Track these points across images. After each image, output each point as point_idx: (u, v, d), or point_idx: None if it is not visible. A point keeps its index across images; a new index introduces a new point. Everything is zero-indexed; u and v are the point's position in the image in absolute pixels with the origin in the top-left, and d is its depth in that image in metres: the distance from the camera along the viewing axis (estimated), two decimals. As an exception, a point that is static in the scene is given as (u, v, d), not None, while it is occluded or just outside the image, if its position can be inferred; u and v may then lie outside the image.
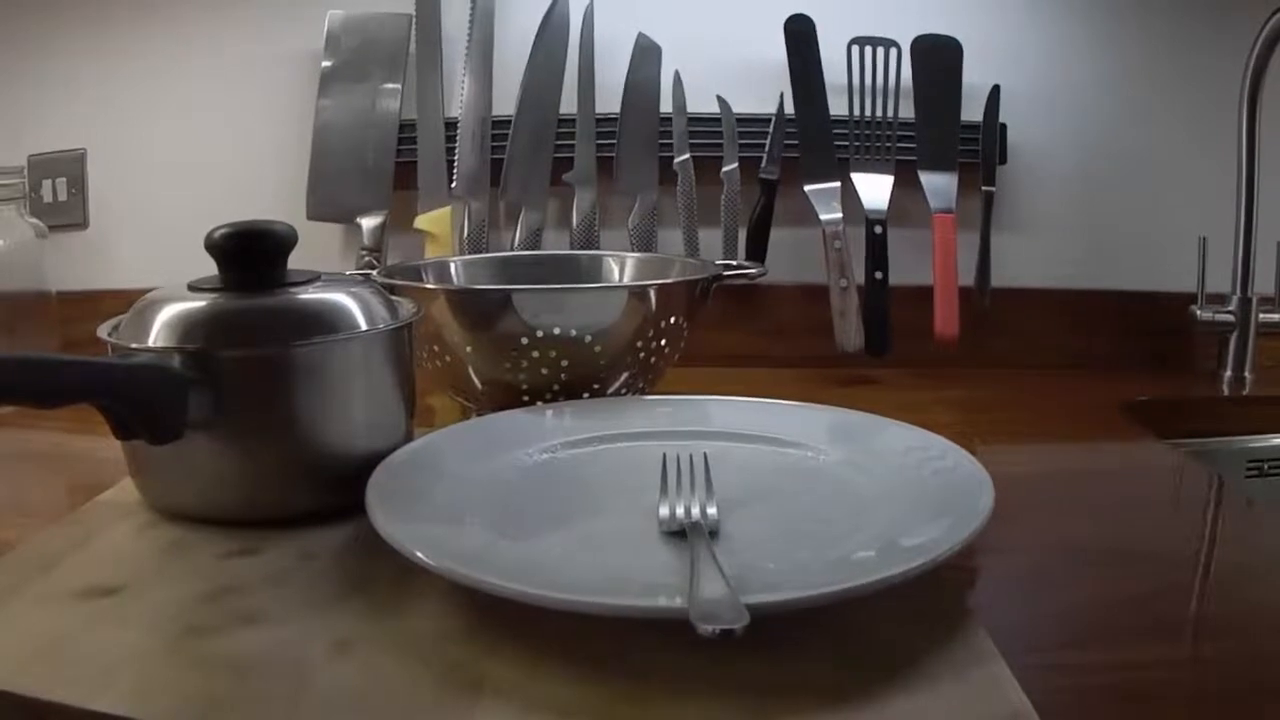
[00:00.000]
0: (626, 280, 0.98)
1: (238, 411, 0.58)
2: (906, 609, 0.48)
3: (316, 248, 1.14)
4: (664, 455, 0.61)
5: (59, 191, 1.11)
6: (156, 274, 1.11)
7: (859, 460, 0.65)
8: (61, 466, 0.82)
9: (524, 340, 0.76)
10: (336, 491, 0.61)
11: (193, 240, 1.11)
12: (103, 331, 0.61)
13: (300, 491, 0.61)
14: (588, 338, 0.77)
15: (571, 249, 1.11)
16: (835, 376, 1.08)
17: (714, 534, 0.54)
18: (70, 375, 0.47)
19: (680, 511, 0.55)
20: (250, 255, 0.62)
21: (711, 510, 0.56)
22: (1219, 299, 1.04)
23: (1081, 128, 1.15)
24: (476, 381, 0.81)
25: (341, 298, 0.63)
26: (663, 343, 0.82)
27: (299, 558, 0.56)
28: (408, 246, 1.14)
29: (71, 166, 1.13)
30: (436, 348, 0.80)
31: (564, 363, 0.78)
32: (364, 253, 1.09)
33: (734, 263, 0.95)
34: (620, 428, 0.72)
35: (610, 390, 0.81)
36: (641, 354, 0.81)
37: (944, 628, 0.48)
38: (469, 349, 0.79)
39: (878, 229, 1.05)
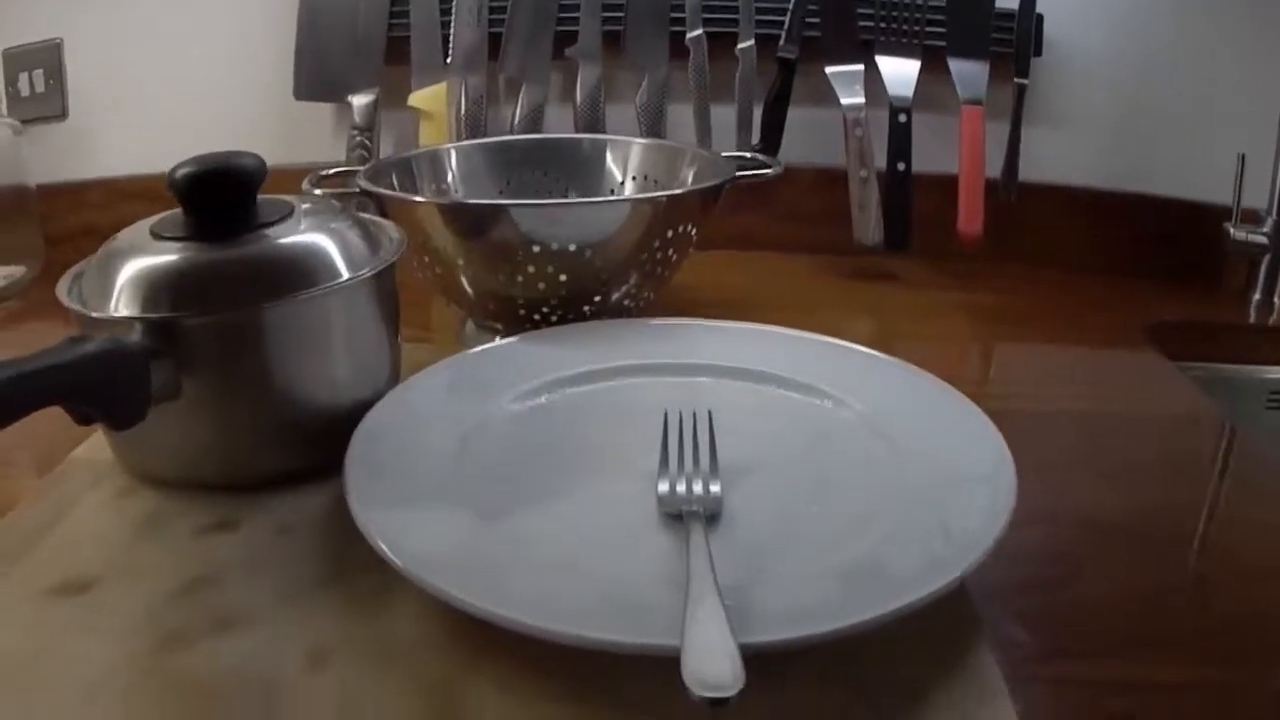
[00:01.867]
0: (631, 172, 0.92)
1: (209, 379, 0.54)
2: (914, 624, 0.44)
3: (307, 129, 1.09)
4: (665, 415, 0.57)
5: (36, 84, 1.05)
6: (140, 160, 1.07)
7: (875, 421, 0.61)
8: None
9: (519, 255, 0.72)
10: (318, 449, 0.58)
11: (176, 124, 1.08)
12: (62, 291, 0.57)
13: (279, 455, 0.58)
14: (587, 252, 0.73)
15: (575, 129, 1.05)
16: (852, 268, 1.04)
17: (715, 518, 0.52)
18: (16, 392, 0.43)
19: (681, 489, 0.53)
20: (216, 197, 0.57)
21: (715, 488, 0.53)
22: (1254, 218, 0.97)
23: (1123, 24, 1.05)
24: (470, 292, 0.77)
25: (317, 239, 0.59)
26: (669, 252, 0.77)
27: (277, 533, 0.54)
28: (402, 125, 1.07)
29: (48, 57, 1.07)
30: (428, 259, 0.76)
31: (562, 277, 0.74)
32: (355, 133, 1.04)
33: (748, 155, 0.89)
34: (617, 359, 0.68)
35: (614, 299, 0.77)
36: (646, 265, 0.76)
37: (952, 651, 0.46)
38: (462, 262, 0.75)
39: (902, 117, 0.98)
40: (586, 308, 0.77)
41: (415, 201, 0.74)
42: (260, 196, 0.60)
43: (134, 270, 0.54)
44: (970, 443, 0.56)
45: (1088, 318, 0.94)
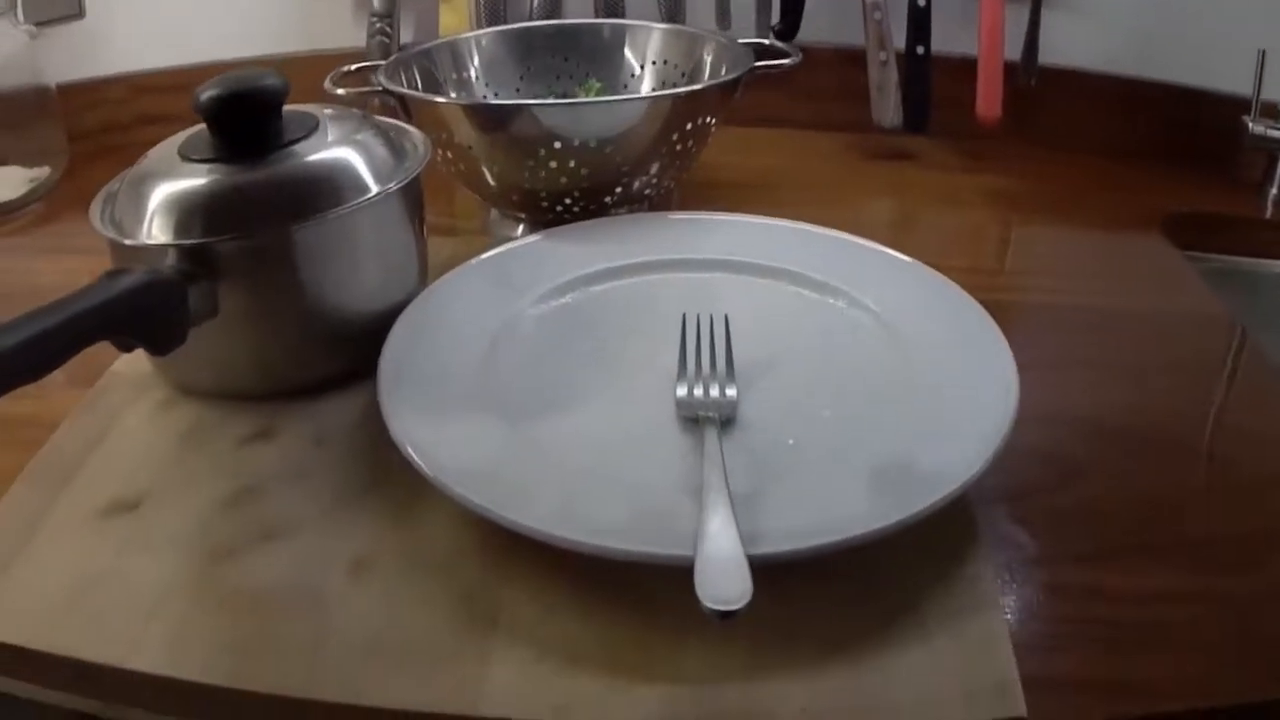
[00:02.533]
0: (651, 57, 0.92)
1: (244, 297, 0.56)
2: (916, 531, 0.47)
3: (326, 17, 1.08)
4: (683, 319, 0.60)
5: None
6: (159, 55, 1.07)
7: (887, 322, 0.63)
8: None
9: (541, 152, 0.73)
10: (352, 355, 0.61)
11: (194, 18, 1.07)
12: (95, 215, 0.58)
13: (314, 363, 0.61)
14: (608, 148, 0.74)
15: (594, 12, 1.04)
16: (871, 147, 1.04)
17: (730, 421, 0.54)
18: (64, 336, 0.45)
19: (699, 391, 0.55)
20: (241, 117, 0.58)
21: (731, 392, 0.55)
22: (1273, 112, 0.95)
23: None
24: (494, 185, 0.78)
25: (343, 153, 0.60)
26: (689, 144, 0.78)
27: (314, 443, 0.57)
28: (421, 10, 1.06)
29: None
30: (450, 154, 0.77)
31: (584, 171, 0.75)
32: (375, 20, 1.02)
33: (766, 42, 0.88)
34: (637, 255, 0.70)
35: (635, 188, 0.78)
36: (665, 157, 0.77)
37: (951, 560, 0.49)
38: (484, 158, 0.76)
39: (921, 1, 0.97)
40: (608, 198, 0.78)
41: (437, 102, 0.75)
42: (286, 109, 0.61)
43: (165, 194, 0.56)
44: (979, 352, 0.58)
45: (1104, 205, 0.94)
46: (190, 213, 0.55)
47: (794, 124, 1.07)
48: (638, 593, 0.46)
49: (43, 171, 1.01)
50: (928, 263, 0.68)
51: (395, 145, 0.65)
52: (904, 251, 0.69)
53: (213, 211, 0.55)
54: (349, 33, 1.08)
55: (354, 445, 0.57)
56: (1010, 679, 0.42)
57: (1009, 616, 0.47)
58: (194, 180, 0.57)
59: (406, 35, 1.07)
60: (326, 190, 0.58)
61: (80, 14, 1.07)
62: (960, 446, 0.50)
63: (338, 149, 0.60)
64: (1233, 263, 0.95)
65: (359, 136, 0.62)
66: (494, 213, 0.85)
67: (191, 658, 0.44)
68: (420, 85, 0.85)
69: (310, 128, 0.61)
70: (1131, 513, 0.55)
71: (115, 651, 0.44)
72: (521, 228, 0.83)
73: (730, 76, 0.77)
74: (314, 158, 0.59)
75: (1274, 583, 0.51)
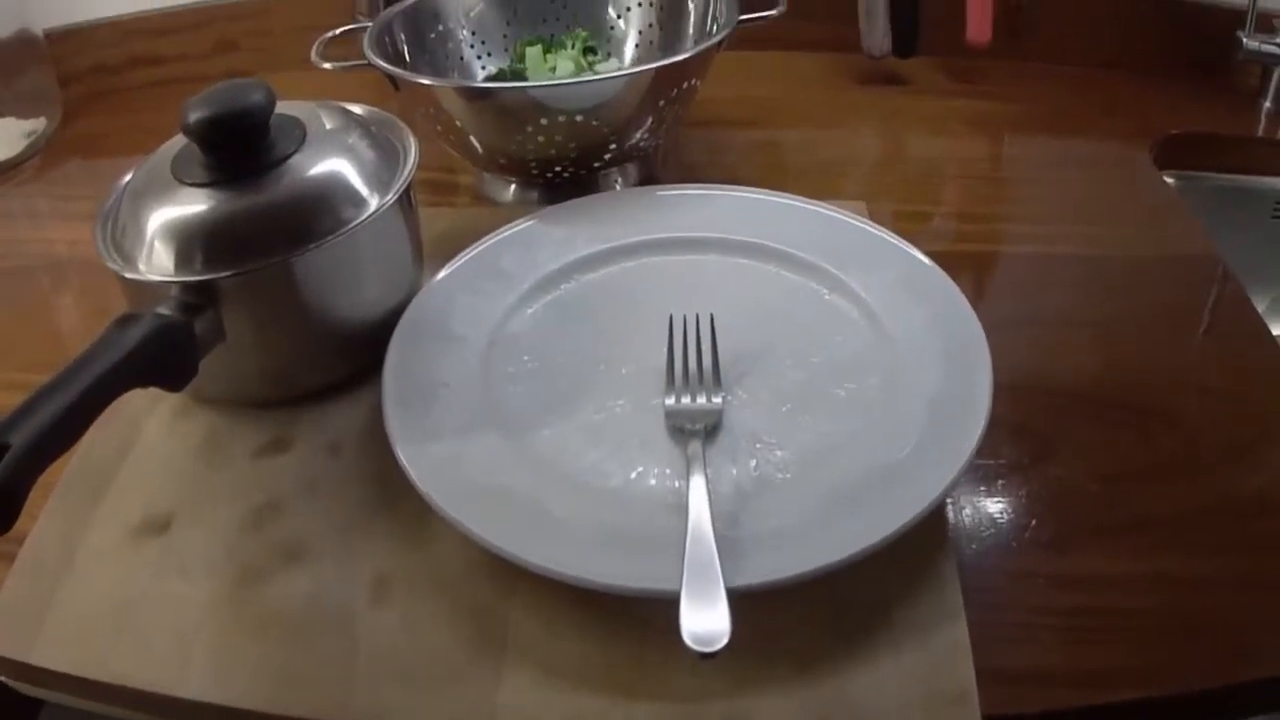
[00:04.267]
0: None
1: (249, 321, 0.59)
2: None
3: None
4: (670, 321, 0.62)
5: None
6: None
7: (872, 314, 0.65)
8: (86, 282, 0.82)
9: (528, 127, 0.75)
10: (357, 359, 0.64)
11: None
12: (99, 241, 0.60)
13: (321, 371, 0.64)
14: (594, 120, 0.75)
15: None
16: (859, 70, 1.04)
17: (716, 429, 0.58)
18: (85, 405, 0.47)
19: (686, 400, 0.58)
20: (230, 137, 0.59)
21: (716, 400, 0.58)
22: (1269, 24, 0.94)
23: None
24: (481, 152, 0.80)
25: (334, 165, 0.62)
26: (675, 107, 0.79)
27: (328, 451, 0.61)
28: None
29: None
30: (440, 126, 0.79)
31: (571, 143, 0.77)
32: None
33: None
34: (627, 236, 0.72)
35: (626, 148, 0.79)
36: (653, 121, 0.79)
37: (920, 566, 0.52)
38: (472, 130, 0.77)
39: (912, -80, 0.95)
40: (596, 163, 0.80)
41: (422, 84, 0.75)
42: (275, 113, 0.61)
43: (163, 221, 0.58)
44: (960, 356, 0.60)
45: (1094, 129, 0.95)
46: (189, 243, 0.57)
47: (782, 44, 1.05)
48: (631, 616, 0.50)
49: (39, 123, 1.02)
50: (912, 207, 0.71)
51: (384, 144, 0.66)
52: (889, 195, 0.70)
53: (212, 243, 0.57)
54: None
55: (366, 451, 0.60)
56: (969, 689, 0.47)
57: (973, 610, 0.50)
58: (190, 207, 0.58)
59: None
60: (322, 210, 0.60)
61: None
62: (936, 460, 0.53)
63: (329, 160, 0.62)
64: (1227, 180, 0.96)
65: (348, 141, 0.64)
66: (485, 175, 0.86)
67: (233, 683, 0.49)
68: (406, 46, 0.86)
69: (299, 139, 0.62)
70: (1098, 493, 0.58)
71: (164, 678, 0.49)
72: (513, 188, 0.85)
73: (714, 40, 0.77)
74: (307, 175, 0.60)
75: (1239, 566, 0.54)
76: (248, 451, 0.61)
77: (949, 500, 0.56)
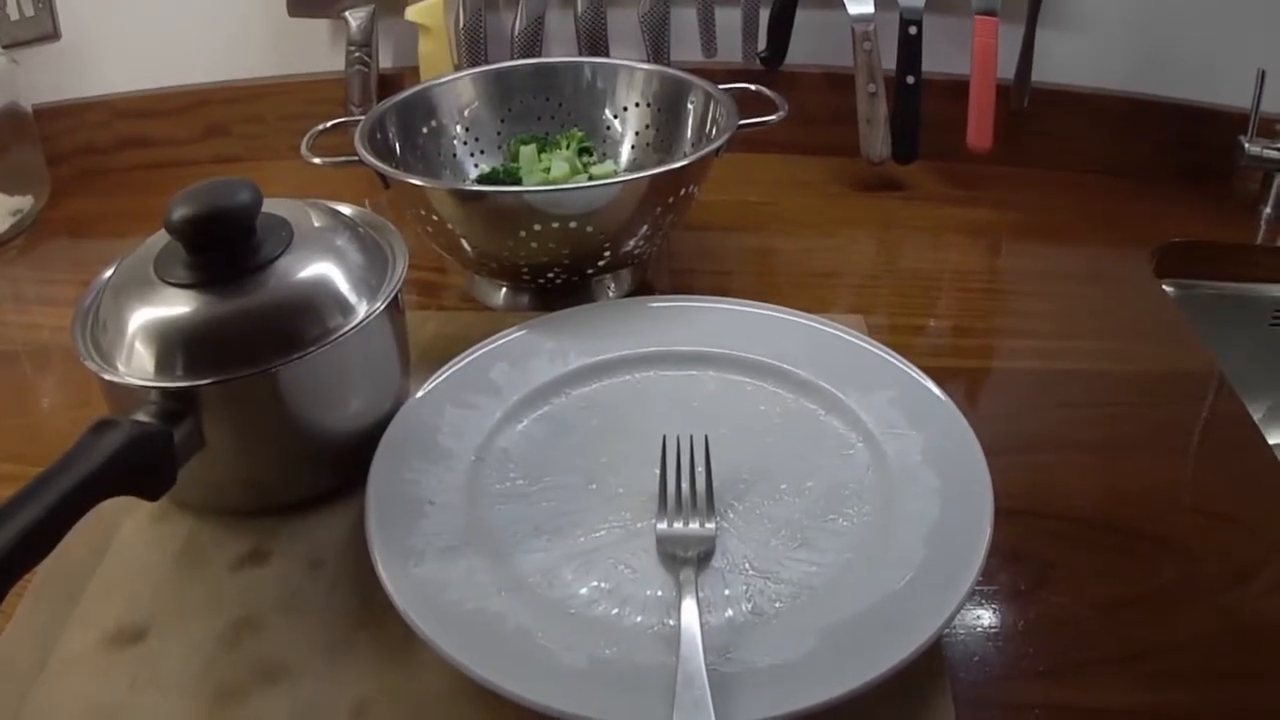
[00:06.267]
0: (635, 99, 0.91)
1: (230, 429, 0.57)
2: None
3: (304, 41, 1.06)
4: (664, 442, 0.60)
5: (24, 7, 1.01)
6: (137, 77, 1.06)
7: (869, 437, 0.63)
8: (69, 371, 0.79)
9: (521, 232, 0.73)
10: (341, 472, 0.62)
11: (170, 41, 1.05)
12: (77, 339, 0.58)
13: (303, 482, 0.62)
14: (589, 226, 0.74)
15: (577, 40, 1.02)
16: (858, 174, 1.04)
17: (708, 556, 0.56)
18: (58, 517, 0.45)
19: (679, 525, 0.56)
20: (215, 237, 0.57)
21: (710, 526, 0.56)
22: (1272, 130, 0.94)
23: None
24: (472, 255, 0.78)
25: (321, 269, 0.60)
26: (672, 214, 0.78)
27: (308, 565, 0.58)
28: (400, 37, 1.05)
29: (34, -23, 1.03)
30: (430, 229, 0.77)
31: (565, 250, 0.75)
32: (352, 48, 1.02)
33: (752, 88, 0.88)
34: (618, 349, 0.70)
35: (618, 258, 0.78)
36: (649, 227, 0.77)
37: (915, 699, 0.50)
38: (463, 233, 0.76)
39: (912, 29, 0.95)
40: (590, 270, 0.79)
41: (414, 185, 0.74)
42: (262, 213, 0.60)
43: (144, 322, 0.56)
44: (957, 478, 0.59)
45: (1094, 238, 0.94)
46: (171, 347, 0.55)
47: (781, 147, 1.05)
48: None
49: (25, 201, 1.01)
50: (910, 320, 0.70)
51: (373, 247, 0.64)
52: (886, 307, 0.69)
53: (194, 347, 0.55)
54: (327, 57, 1.07)
55: (348, 567, 0.58)
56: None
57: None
58: (173, 309, 0.56)
59: (385, 61, 1.05)
60: (309, 316, 0.58)
61: (56, 36, 1.06)
62: (933, 592, 0.51)
63: (316, 264, 0.60)
64: (1225, 288, 0.96)
65: (337, 243, 0.62)
66: (475, 277, 0.85)
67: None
68: (398, 142, 0.85)
69: (286, 241, 0.60)
70: (1097, 622, 0.56)
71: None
72: (504, 292, 0.83)
73: (713, 146, 0.77)
74: (293, 279, 0.58)
75: (1242, 695, 0.53)
76: (227, 562, 0.59)
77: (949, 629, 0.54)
